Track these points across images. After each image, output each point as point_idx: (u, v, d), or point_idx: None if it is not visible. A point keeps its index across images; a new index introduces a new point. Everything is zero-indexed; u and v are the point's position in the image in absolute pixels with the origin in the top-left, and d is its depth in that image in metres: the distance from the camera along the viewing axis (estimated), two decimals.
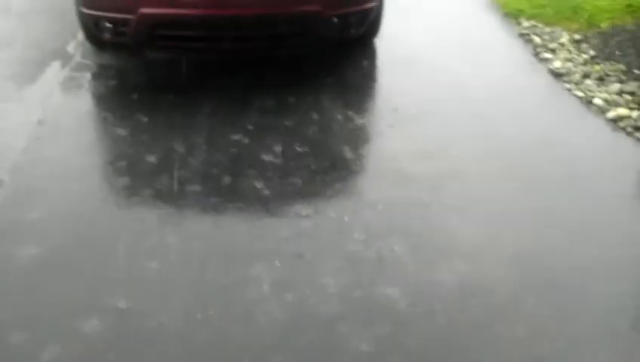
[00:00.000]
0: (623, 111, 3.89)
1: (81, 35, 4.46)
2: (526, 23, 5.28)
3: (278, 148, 3.50)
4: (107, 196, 3.21)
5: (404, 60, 4.55)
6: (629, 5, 5.22)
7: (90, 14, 4.04)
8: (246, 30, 3.97)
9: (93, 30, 4.11)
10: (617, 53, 4.61)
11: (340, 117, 3.82)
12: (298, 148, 3.50)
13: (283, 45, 4.14)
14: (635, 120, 3.80)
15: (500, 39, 5.17)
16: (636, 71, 4.31)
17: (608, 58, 4.57)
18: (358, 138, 3.70)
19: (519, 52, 4.86)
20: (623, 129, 3.75)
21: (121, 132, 3.70)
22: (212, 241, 2.86)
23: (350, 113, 3.87)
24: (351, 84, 4.28)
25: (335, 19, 4.01)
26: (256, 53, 4.21)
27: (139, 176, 3.32)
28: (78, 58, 4.51)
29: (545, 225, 2.98)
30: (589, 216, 3.05)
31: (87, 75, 4.30)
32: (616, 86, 4.17)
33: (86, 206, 3.09)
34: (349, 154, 3.50)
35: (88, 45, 4.43)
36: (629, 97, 4.03)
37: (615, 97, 4.05)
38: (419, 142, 3.61)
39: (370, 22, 4.27)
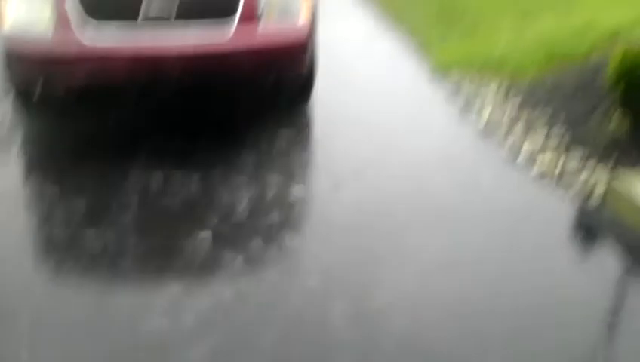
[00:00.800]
0: (548, 158, 4.03)
1: None
2: (455, 76, 5.46)
3: (214, 215, 3.46)
4: (32, 268, 3.11)
5: (338, 121, 4.63)
6: (551, 55, 5.45)
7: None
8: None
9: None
10: (542, 101, 4.78)
11: (274, 181, 3.81)
12: (233, 217, 3.46)
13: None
14: (560, 167, 3.93)
15: (430, 93, 5.33)
16: (560, 118, 4.47)
17: (534, 107, 4.74)
18: (294, 201, 3.68)
19: (448, 105, 5.01)
20: (549, 176, 3.87)
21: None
22: (143, 304, 2.80)
23: (285, 177, 3.87)
24: (288, 149, 4.28)
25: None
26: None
27: (66, 244, 3.25)
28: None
29: (473, 278, 3.02)
30: (510, 266, 3.12)
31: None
32: (542, 134, 4.32)
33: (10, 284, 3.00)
34: (284, 216, 3.50)
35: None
36: (554, 144, 4.18)
37: (541, 145, 4.19)
38: (354, 201, 3.64)
39: (301, 87, 4.38)
